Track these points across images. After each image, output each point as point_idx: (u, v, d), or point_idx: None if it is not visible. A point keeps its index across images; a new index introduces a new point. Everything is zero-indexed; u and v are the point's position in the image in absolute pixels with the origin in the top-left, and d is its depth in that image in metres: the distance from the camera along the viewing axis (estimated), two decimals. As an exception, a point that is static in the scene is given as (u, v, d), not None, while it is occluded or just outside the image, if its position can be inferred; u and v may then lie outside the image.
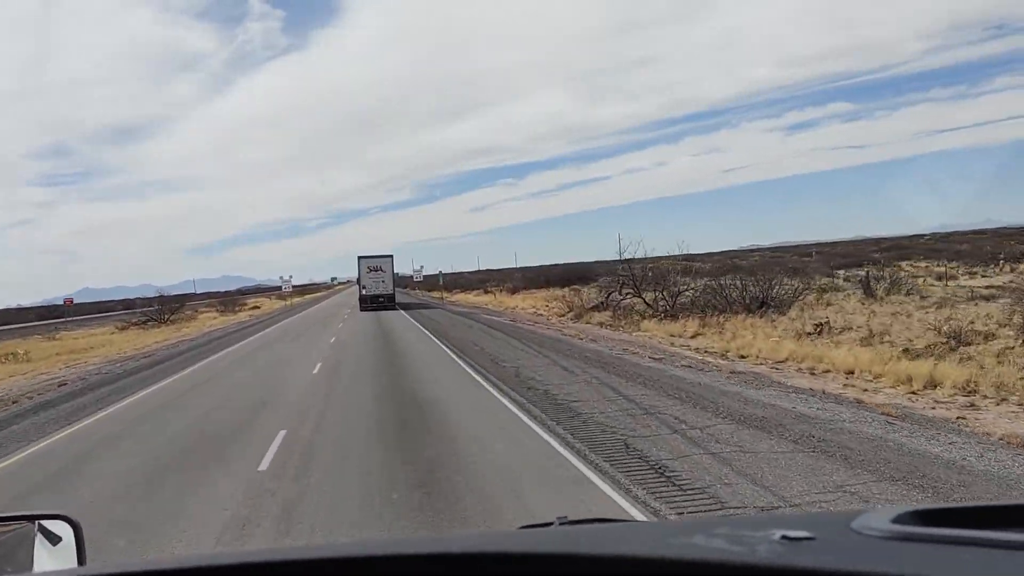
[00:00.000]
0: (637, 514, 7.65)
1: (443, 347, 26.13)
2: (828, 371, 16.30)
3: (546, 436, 11.31)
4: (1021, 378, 13.24)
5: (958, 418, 11.32)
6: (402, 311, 52.88)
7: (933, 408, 12.23)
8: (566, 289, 48.07)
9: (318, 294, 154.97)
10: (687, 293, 33.22)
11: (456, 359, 22.23)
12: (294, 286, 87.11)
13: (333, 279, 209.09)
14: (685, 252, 48.49)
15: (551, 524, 1.53)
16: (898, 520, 0.98)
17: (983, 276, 44.42)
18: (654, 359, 19.68)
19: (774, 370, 17.04)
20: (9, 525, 2.52)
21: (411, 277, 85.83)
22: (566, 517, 1.60)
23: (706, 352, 20.75)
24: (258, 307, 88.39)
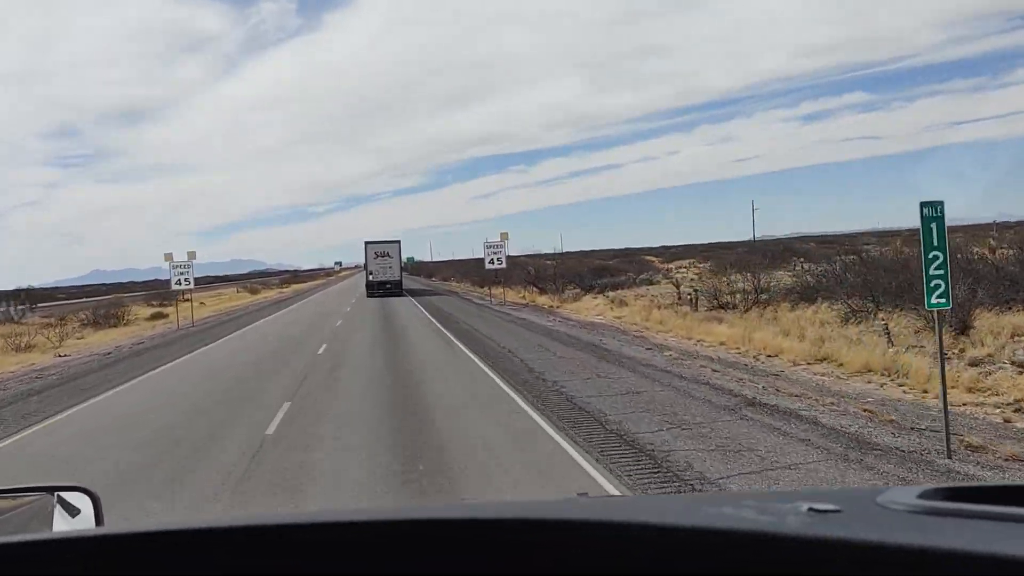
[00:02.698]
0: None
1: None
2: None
3: None
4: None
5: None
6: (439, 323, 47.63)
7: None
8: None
9: (314, 283, 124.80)
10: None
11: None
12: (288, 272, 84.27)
13: (337, 264, 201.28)
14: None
15: (574, 499, 1.51)
16: (924, 496, 0.99)
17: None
18: None
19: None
20: (27, 496, 2.47)
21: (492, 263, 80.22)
22: (586, 493, 1.98)
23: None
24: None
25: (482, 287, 59.25)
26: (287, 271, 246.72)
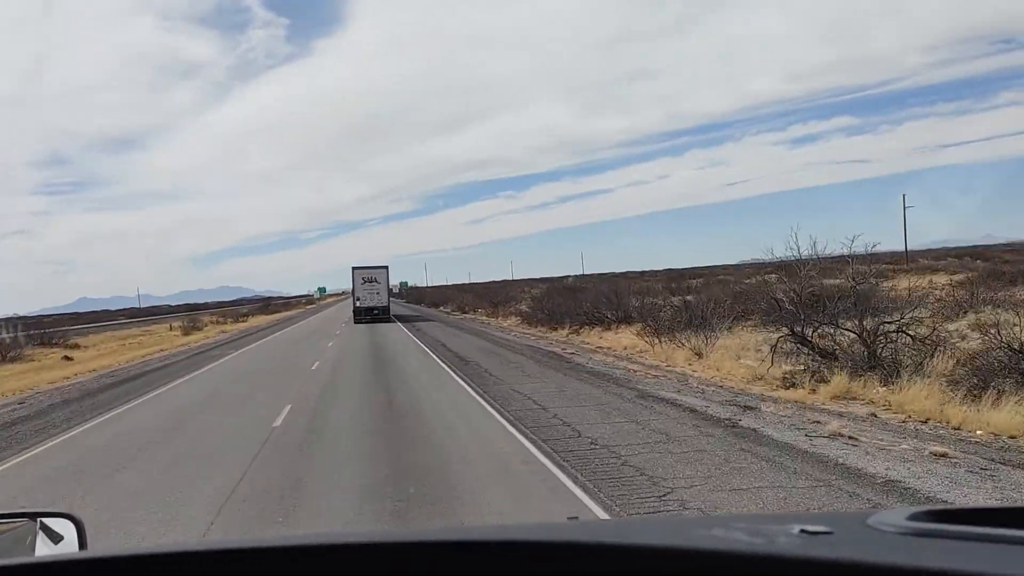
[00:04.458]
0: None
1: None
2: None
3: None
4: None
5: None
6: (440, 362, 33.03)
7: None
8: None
9: (281, 315, 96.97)
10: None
11: None
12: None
13: (321, 290, 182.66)
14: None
15: (566, 523, 1.48)
16: (914, 517, 0.99)
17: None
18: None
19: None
20: (10, 523, 2.45)
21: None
22: (576, 517, 1.59)
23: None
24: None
25: (493, 314, 51.79)
26: (272, 298, 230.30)
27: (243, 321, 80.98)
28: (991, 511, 1.08)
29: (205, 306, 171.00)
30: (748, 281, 57.60)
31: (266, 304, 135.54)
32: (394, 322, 51.81)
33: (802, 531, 0.94)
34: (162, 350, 43.55)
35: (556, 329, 37.03)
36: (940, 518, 1.00)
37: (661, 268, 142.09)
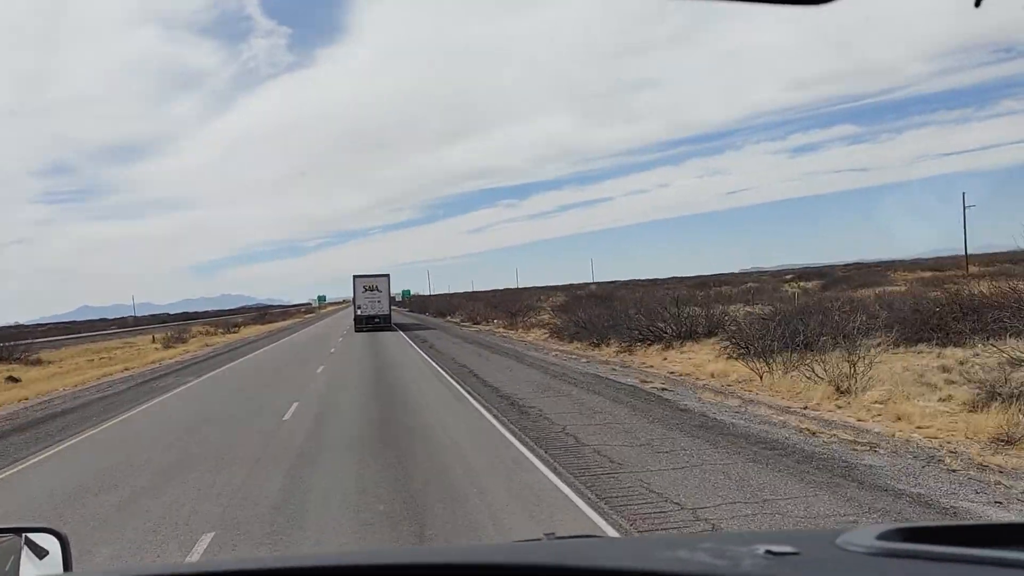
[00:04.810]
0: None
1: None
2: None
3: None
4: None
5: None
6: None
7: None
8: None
9: (279, 325, 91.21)
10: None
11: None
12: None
13: (321, 298, 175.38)
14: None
15: (539, 540, 1.46)
16: (883, 537, 0.97)
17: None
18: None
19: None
20: None
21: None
22: (554, 533, 1.58)
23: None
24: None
25: (512, 326, 45.60)
26: (270, 307, 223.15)
27: (234, 332, 73.81)
28: (961, 528, 1.05)
29: (204, 314, 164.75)
30: (790, 287, 50.95)
31: (263, 313, 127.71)
32: (396, 331, 50.54)
33: (768, 552, 0.90)
34: (126, 369, 36.68)
35: (599, 346, 30.13)
36: (910, 536, 0.98)
37: (666, 276, 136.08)
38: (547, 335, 38.05)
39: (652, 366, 22.88)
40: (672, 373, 20.94)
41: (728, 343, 22.12)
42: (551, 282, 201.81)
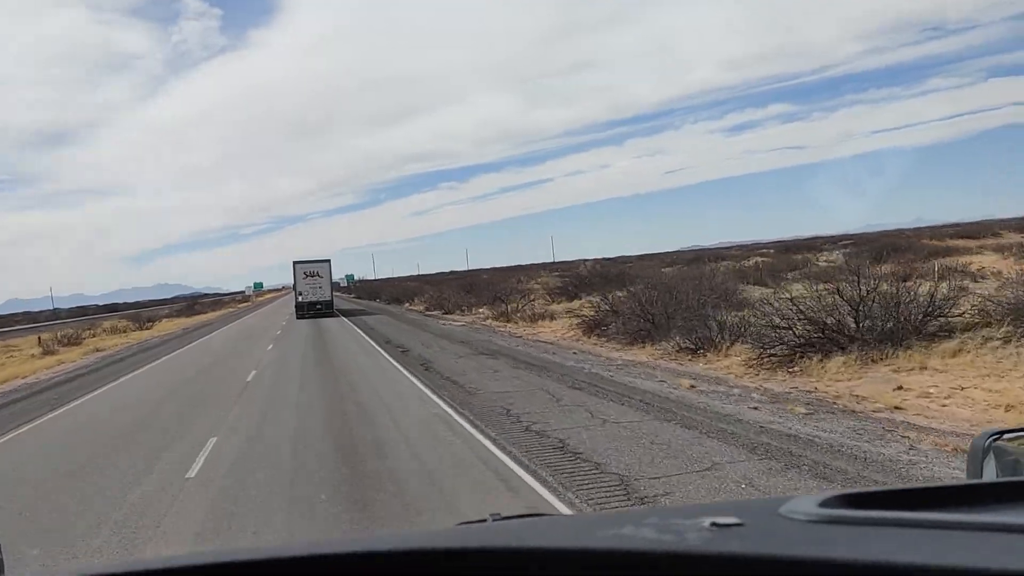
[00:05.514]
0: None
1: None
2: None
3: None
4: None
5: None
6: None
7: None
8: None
9: (205, 318, 77.39)
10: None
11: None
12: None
13: (257, 286, 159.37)
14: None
15: (484, 521, 1.46)
16: (825, 504, 0.97)
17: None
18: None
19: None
20: None
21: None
22: (499, 514, 1.54)
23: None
24: None
25: (505, 318, 33.99)
26: (201, 296, 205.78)
27: (147, 328, 60.17)
28: (902, 492, 1.05)
29: (129, 306, 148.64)
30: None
31: (191, 304, 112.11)
32: (338, 316, 50.02)
33: (713, 524, 0.90)
34: None
35: (642, 345, 19.26)
36: (852, 502, 0.98)
37: (615, 255, 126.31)
38: (574, 331, 26.32)
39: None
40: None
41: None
42: (502, 263, 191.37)
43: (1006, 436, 1.72)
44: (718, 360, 17.12)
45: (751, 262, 56.35)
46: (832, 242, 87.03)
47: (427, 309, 53.95)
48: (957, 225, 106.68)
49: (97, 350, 40.86)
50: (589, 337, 24.34)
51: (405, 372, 18.97)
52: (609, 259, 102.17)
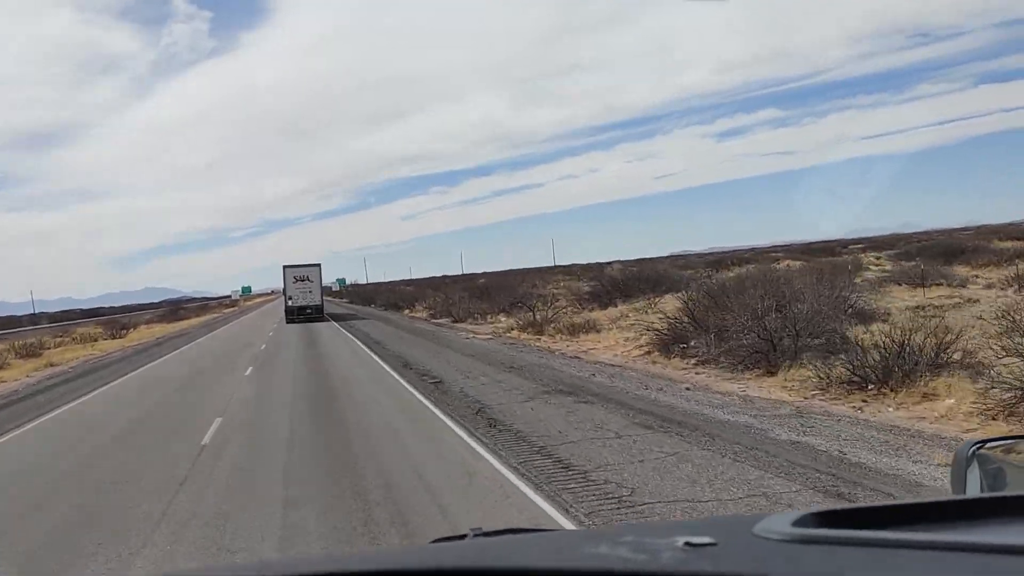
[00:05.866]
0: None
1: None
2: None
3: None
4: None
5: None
6: None
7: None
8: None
9: (192, 323, 74.07)
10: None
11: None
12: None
13: (245, 290, 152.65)
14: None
15: (465, 536, 1.43)
16: (799, 523, 0.96)
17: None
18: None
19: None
20: None
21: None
22: (480, 528, 1.52)
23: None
24: None
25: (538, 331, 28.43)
26: (188, 300, 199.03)
27: (120, 337, 53.94)
28: (877, 510, 1.04)
29: (113, 310, 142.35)
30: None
31: (175, 309, 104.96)
32: (328, 321, 49.67)
33: (687, 544, 0.90)
34: None
35: (757, 371, 13.57)
36: (826, 521, 0.97)
37: (606, 260, 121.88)
38: (637, 347, 20.64)
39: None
40: None
41: None
42: (497, 267, 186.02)
43: (989, 445, 1.70)
44: (919, 403, 11.44)
45: (782, 264, 50.95)
46: (841, 245, 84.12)
47: (432, 316, 48.09)
48: (944, 231, 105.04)
49: (50, 365, 34.54)
50: (668, 358, 18.67)
51: (470, 442, 10.94)
52: (631, 261, 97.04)
